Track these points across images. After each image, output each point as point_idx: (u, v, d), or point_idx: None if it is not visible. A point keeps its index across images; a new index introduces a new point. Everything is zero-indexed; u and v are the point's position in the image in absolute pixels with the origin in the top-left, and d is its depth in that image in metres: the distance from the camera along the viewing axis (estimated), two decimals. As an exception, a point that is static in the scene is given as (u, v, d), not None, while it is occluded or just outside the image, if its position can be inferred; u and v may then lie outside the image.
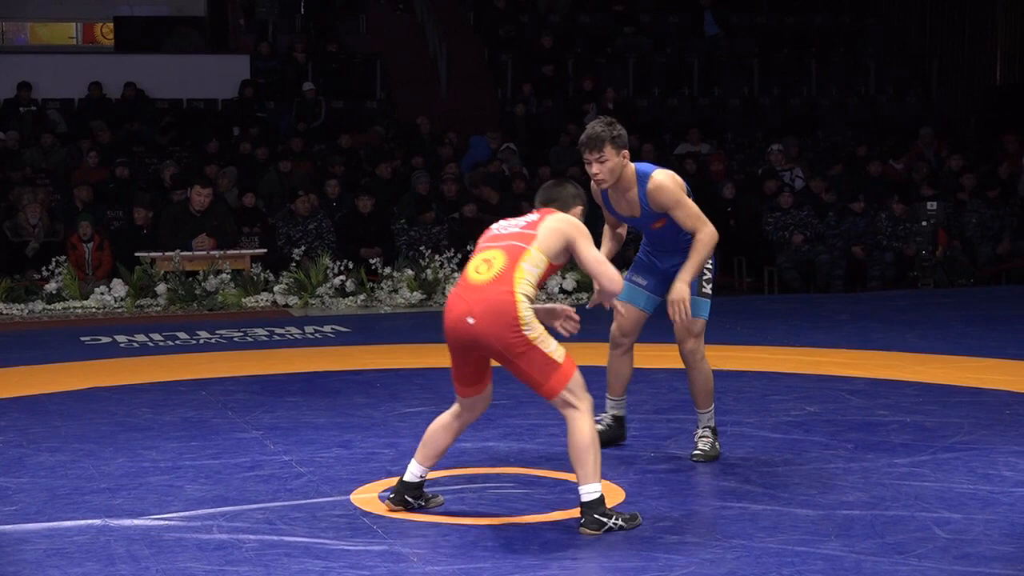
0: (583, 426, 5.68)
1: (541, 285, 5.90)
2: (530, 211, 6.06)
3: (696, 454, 6.94)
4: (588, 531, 5.63)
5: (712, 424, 7.05)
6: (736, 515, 5.87)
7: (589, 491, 5.65)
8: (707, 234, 6.67)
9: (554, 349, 5.70)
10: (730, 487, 6.37)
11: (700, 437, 7.01)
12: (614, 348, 7.21)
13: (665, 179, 6.70)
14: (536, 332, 5.68)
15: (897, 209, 15.96)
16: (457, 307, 5.74)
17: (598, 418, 7.19)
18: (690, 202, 6.70)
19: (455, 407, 6.03)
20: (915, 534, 5.55)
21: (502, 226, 5.98)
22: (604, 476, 6.45)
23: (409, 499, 6.00)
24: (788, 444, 7.27)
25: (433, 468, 6.09)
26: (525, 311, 5.67)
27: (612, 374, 7.25)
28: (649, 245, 7.08)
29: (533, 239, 5.80)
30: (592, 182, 6.75)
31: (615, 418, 7.32)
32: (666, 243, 6.93)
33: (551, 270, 5.86)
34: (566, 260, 5.91)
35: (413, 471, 6.01)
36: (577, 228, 5.88)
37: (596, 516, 5.63)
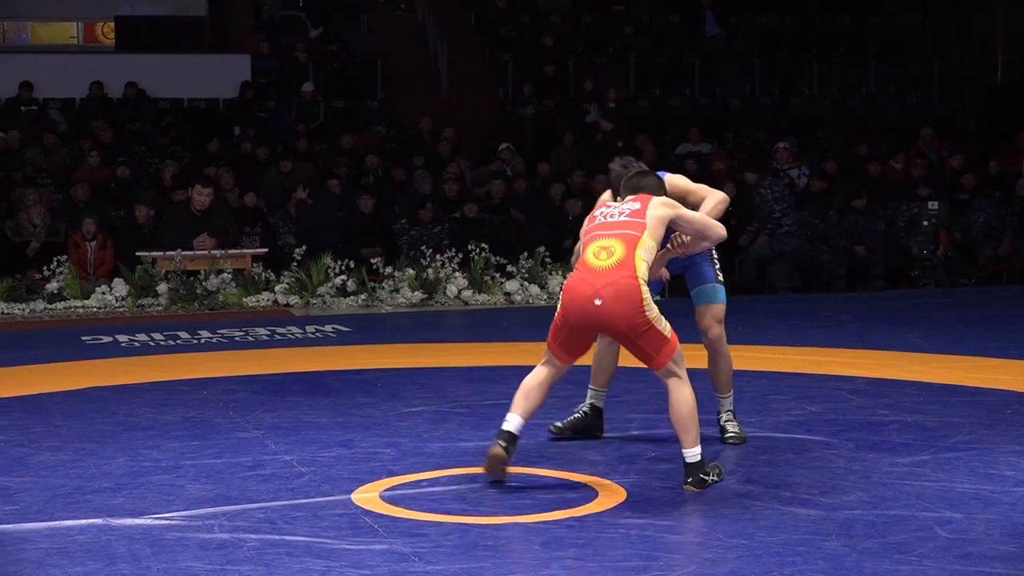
0: (685, 394, 6.24)
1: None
2: (628, 200, 6.53)
3: (729, 436, 7.28)
4: (693, 488, 6.19)
5: (733, 408, 7.40)
6: (737, 514, 5.87)
7: (692, 454, 6.22)
8: (721, 197, 7.11)
9: (665, 325, 6.24)
10: (731, 486, 6.36)
11: (727, 421, 7.35)
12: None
13: (676, 176, 7.18)
14: (654, 312, 6.20)
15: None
16: (583, 291, 6.20)
17: (576, 408, 7.52)
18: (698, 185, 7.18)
19: (550, 369, 6.47)
20: (916, 533, 5.55)
21: (608, 214, 6.45)
22: (604, 476, 6.52)
23: (512, 450, 6.39)
24: (789, 444, 7.27)
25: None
26: (647, 293, 6.18)
27: (596, 364, 7.43)
28: None
29: (644, 228, 6.29)
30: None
31: (593, 408, 7.47)
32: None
33: (658, 254, 6.45)
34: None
35: (516, 423, 6.40)
36: (673, 206, 6.48)
37: (701, 476, 6.22)
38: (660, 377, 6.33)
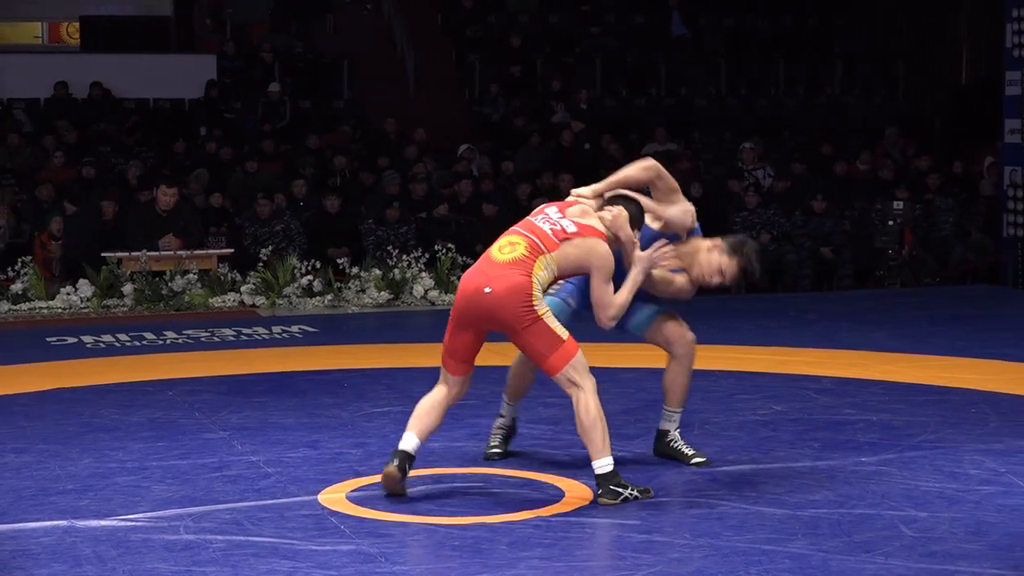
0: (588, 404, 6.02)
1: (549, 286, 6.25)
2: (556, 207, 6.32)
3: (696, 462, 6.82)
4: (606, 501, 5.97)
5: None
6: (703, 514, 5.89)
7: (601, 465, 6.01)
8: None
9: (558, 327, 6.06)
10: (697, 486, 6.37)
11: (682, 442, 6.91)
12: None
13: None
14: (543, 309, 6.05)
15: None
16: (475, 280, 6.10)
17: (496, 426, 7.09)
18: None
19: (443, 388, 6.25)
20: (881, 532, 5.58)
21: (549, 218, 6.24)
22: (571, 476, 6.51)
23: (407, 468, 6.14)
24: (755, 443, 7.29)
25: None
26: (537, 291, 6.04)
27: (517, 377, 6.95)
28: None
29: (555, 249, 6.12)
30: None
31: (513, 420, 7.07)
32: None
33: (558, 279, 6.27)
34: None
35: (412, 442, 6.17)
36: (600, 262, 6.17)
37: (612, 487, 5.97)
38: (560, 386, 6.09)
